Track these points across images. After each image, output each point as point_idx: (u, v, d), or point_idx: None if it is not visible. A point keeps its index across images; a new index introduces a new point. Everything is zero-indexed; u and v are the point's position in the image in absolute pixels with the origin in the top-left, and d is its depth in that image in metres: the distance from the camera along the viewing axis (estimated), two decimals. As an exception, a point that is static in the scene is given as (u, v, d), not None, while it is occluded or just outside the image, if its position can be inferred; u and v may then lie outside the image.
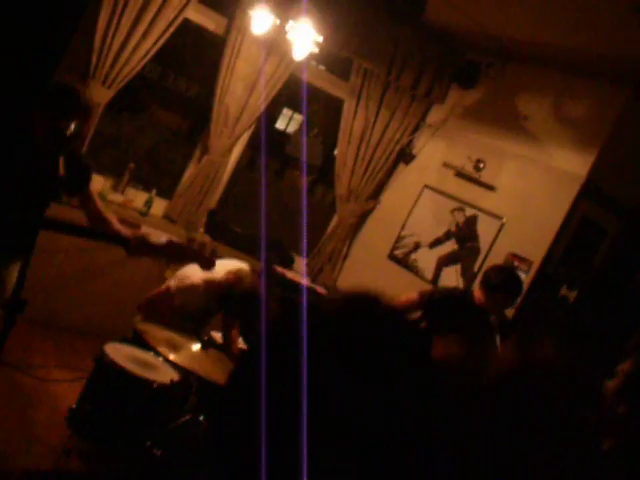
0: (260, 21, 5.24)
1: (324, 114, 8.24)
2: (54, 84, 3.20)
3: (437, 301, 4.58)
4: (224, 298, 4.39)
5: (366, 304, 1.08)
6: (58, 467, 3.71)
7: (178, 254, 3.45)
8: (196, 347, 3.28)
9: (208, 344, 3.31)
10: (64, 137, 2.98)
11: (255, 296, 4.45)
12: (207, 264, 3.60)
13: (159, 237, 5.73)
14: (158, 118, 7.18)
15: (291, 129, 12.68)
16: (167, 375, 3.61)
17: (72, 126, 2.82)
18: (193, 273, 4.50)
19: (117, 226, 3.60)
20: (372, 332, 1.04)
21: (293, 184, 9.61)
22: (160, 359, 3.54)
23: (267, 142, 6.38)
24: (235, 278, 4.44)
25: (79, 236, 3.71)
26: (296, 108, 8.41)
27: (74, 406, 3.68)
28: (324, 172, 7.78)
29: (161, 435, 3.43)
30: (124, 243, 3.38)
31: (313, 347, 1.07)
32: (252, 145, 6.45)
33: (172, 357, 3.14)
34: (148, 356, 3.59)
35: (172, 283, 4.51)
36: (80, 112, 3.18)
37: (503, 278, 4.39)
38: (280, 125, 9.27)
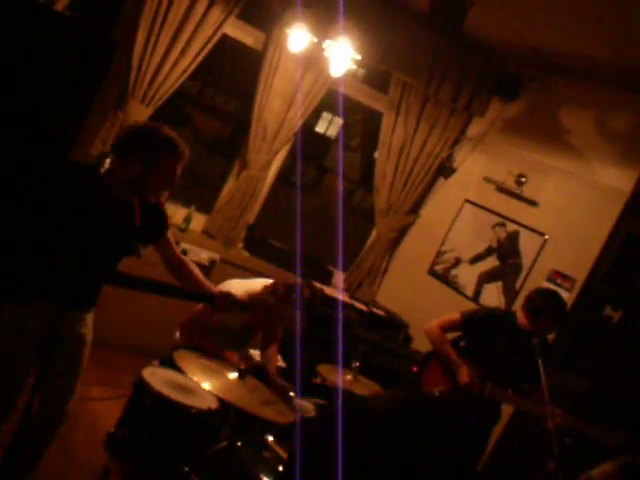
0: (297, 39, 5.22)
1: (363, 125, 8.19)
2: (131, 128, 3.06)
3: (478, 321, 4.50)
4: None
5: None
6: (96, 491, 3.73)
7: (261, 307, 3.40)
8: (233, 375, 3.25)
9: (245, 372, 3.28)
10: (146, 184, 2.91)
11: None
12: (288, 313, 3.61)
13: (199, 254, 5.78)
14: (197, 133, 7.20)
15: (331, 132, 12.68)
16: (205, 401, 3.59)
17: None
18: (233, 287, 4.43)
19: (199, 277, 3.45)
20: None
21: (332, 194, 9.58)
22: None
23: (304, 153, 6.35)
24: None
25: (161, 294, 3.58)
26: (336, 112, 8.36)
27: (112, 430, 3.70)
28: (363, 183, 7.73)
29: (198, 461, 3.42)
30: (208, 300, 3.31)
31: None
32: (291, 153, 6.41)
33: (207, 386, 3.11)
34: (186, 380, 3.57)
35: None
36: (172, 154, 3.03)
37: (547, 302, 4.29)
38: (320, 129, 9.24)
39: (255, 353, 4.82)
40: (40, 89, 2.02)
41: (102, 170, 2.56)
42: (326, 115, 9.03)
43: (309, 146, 6.12)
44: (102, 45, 2.02)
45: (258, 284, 4.39)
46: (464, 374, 4.34)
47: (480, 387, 4.33)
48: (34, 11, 1.95)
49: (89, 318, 3.25)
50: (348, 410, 2.11)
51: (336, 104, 6.16)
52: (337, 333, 5.08)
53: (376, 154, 6.65)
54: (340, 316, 5.55)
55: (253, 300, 3.44)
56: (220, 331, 4.32)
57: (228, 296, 3.33)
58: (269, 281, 4.45)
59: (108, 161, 2.57)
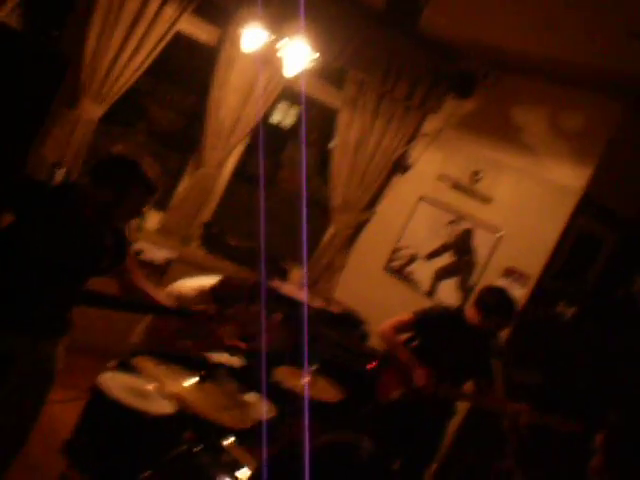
0: (252, 37, 5.18)
1: (321, 119, 8.17)
2: (112, 155, 3.04)
3: (429, 320, 4.54)
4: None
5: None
6: (53, 499, 3.69)
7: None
8: (192, 381, 3.24)
9: (205, 378, 3.27)
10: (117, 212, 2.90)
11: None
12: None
13: (155, 253, 5.73)
14: (151, 127, 7.11)
15: (287, 122, 12.61)
16: (163, 406, 3.57)
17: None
18: (184, 286, 4.42)
19: (160, 296, 3.44)
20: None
21: (287, 189, 9.54)
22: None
23: (264, 148, 6.32)
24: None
25: (135, 312, 3.55)
26: (291, 101, 8.32)
27: (69, 437, 3.65)
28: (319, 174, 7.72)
29: (158, 466, 3.40)
30: (185, 317, 3.28)
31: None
32: (247, 148, 6.36)
33: (165, 391, 3.09)
34: (144, 385, 3.54)
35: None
36: (143, 188, 3.00)
37: (498, 300, 4.35)
38: (275, 119, 9.19)
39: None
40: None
41: (53, 184, 2.51)
42: (281, 105, 8.99)
43: (266, 138, 6.08)
44: (54, 61, 1.97)
45: (209, 280, 4.39)
46: (420, 376, 4.37)
47: (435, 387, 4.37)
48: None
49: (59, 347, 3.19)
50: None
51: (291, 94, 6.13)
52: (297, 332, 5.08)
53: (331, 145, 6.65)
54: (304, 317, 5.56)
55: (233, 315, 3.45)
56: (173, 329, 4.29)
57: (207, 312, 3.34)
58: (217, 278, 4.45)
59: (61, 172, 2.52)
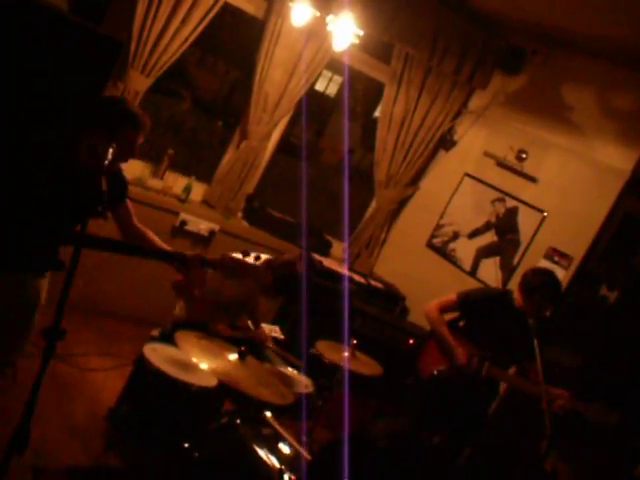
0: (300, 12, 5.17)
1: (365, 91, 8.14)
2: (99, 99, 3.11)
3: (474, 301, 4.54)
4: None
5: None
6: (97, 464, 3.79)
7: (232, 265, 3.36)
8: (233, 356, 3.29)
9: (245, 353, 3.31)
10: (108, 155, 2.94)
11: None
12: (264, 278, 3.59)
13: (199, 225, 5.79)
14: (196, 95, 7.15)
15: (330, 91, 12.51)
16: (205, 379, 3.64)
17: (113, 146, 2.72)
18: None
19: (159, 242, 3.46)
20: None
21: (329, 161, 9.53)
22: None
23: (307, 121, 6.32)
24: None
25: (127, 254, 3.58)
26: (335, 69, 8.28)
27: (114, 405, 3.75)
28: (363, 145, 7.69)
29: (198, 437, 3.47)
30: (179, 261, 3.30)
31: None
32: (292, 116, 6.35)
33: (206, 367, 3.14)
34: (187, 358, 3.60)
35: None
36: (133, 127, 3.13)
37: (541, 280, 4.33)
38: (319, 87, 9.15)
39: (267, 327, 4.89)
40: (41, 94, 2.00)
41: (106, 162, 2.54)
42: (326, 72, 8.93)
43: (309, 106, 6.07)
44: (107, 47, 1.99)
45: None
46: (460, 355, 4.39)
47: (477, 366, 4.38)
48: (38, 14, 1.92)
49: (43, 282, 3.18)
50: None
51: (337, 62, 6.08)
52: (337, 306, 5.12)
53: (376, 114, 6.59)
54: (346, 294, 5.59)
55: (224, 259, 3.41)
56: (212, 300, 4.35)
57: (199, 256, 3.34)
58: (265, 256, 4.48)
59: (111, 151, 2.55)
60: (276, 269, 4.16)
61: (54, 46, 1.94)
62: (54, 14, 1.94)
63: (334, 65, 6.26)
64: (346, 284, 5.79)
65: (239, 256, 3.33)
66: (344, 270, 6.18)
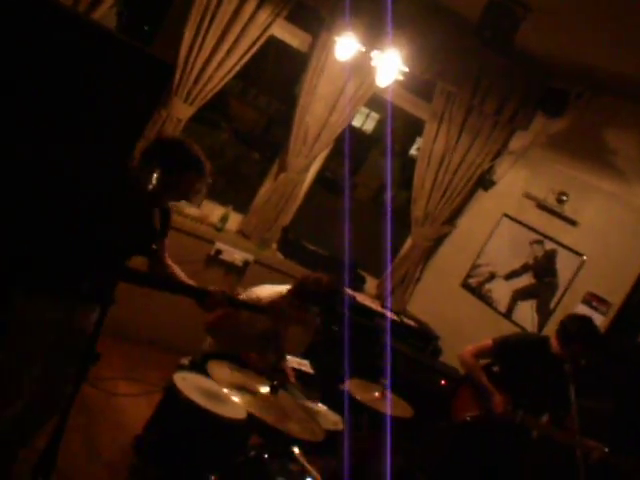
0: (345, 47, 5.19)
1: (403, 128, 8.14)
2: (163, 139, 3.14)
3: (510, 347, 4.46)
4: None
5: None
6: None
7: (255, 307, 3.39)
8: (265, 390, 3.24)
9: (277, 388, 3.27)
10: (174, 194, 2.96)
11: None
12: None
13: (233, 254, 5.79)
14: (235, 125, 7.20)
15: (367, 127, 12.58)
16: (235, 411, 3.60)
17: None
18: (261, 291, 4.46)
19: (184, 277, 3.50)
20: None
21: (363, 194, 9.52)
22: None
23: (342, 148, 6.31)
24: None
25: (151, 287, 3.57)
26: (372, 106, 8.32)
27: (141, 433, 3.72)
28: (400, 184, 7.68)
29: (225, 470, 3.42)
30: (201, 296, 3.30)
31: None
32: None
33: (237, 399, 3.10)
34: (217, 388, 3.57)
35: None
36: (196, 172, 3.16)
37: (580, 328, 4.24)
38: (356, 123, 9.19)
39: (294, 360, 4.84)
40: (90, 115, 2.01)
41: (150, 187, 2.55)
42: (363, 109, 8.98)
43: (345, 143, 6.08)
44: (158, 69, 1.99)
45: (285, 287, 4.41)
46: (498, 403, 4.31)
47: (512, 415, 4.30)
48: (86, 32, 1.93)
49: (92, 315, 3.19)
50: None
51: (374, 99, 6.08)
52: (369, 343, 5.07)
53: (412, 151, 6.58)
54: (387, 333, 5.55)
55: (249, 300, 3.44)
56: (243, 333, 4.32)
57: (222, 292, 3.33)
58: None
59: (155, 176, 2.56)
60: (307, 285, 4.17)
61: (104, 66, 1.95)
62: (107, 34, 1.95)
63: (372, 101, 6.27)
64: (387, 324, 5.74)
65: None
66: (377, 307, 6.13)
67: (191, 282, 3.46)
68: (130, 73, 1.95)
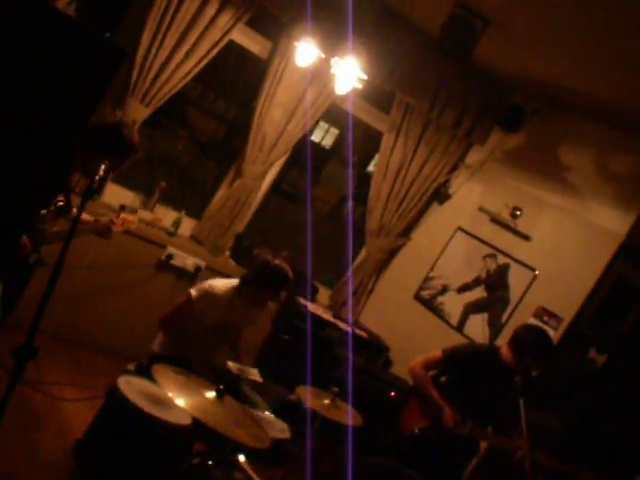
0: (305, 53, 5.17)
1: (362, 141, 8.14)
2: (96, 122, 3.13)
3: (460, 357, 4.45)
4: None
5: None
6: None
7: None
8: (210, 394, 3.16)
9: (223, 392, 3.19)
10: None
11: None
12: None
13: (185, 260, 5.70)
14: (193, 133, 7.13)
15: (326, 142, 12.60)
16: (179, 416, 3.52)
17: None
18: (215, 282, 4.43)
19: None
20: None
21: (321, 208, 9.50)
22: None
23: (299, 162, 6.27)
24: None
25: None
26: (332, 122, 8.33)
27: (81, 437, 3.61)
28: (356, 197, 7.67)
29: (168, 477, 3.34)
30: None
31: None
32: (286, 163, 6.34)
33: (182, 403, 3.01)
34: (162, 393, 3.48)
35: (194, 291, 4.37)
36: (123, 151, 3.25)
37: (534, 339, 4.24)
38: (316, 138, 9.18)
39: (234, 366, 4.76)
40: (38, 96, 1.94)
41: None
42: (322, 124, 8.98)
43: (304, 155, 6.05)
44: (109, 54, 1.94)
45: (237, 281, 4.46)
46: (448, 417, 4.28)
47: (462, 427, 4.28)
48: (44, 15, 1.87)
49: None
50: None
51: (334, 114, 6.09)
52: (319, 352, 5.02)
53: (370, 168, 6.58)
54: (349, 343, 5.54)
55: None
56: (195, 328, 4.26)
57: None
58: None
59: (103, 167, 2.48)
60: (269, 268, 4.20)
61: (58, 47, 1.88)
62: (62, 17, 1.90)
63: (332, 117, 6.27)
64: (349, 335, 5.71)
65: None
66: (329, 317, 6.08)
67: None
68: (82, 56, 1.90)
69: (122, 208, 3.99)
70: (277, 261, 4.37)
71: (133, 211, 5.41)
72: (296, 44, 5.23)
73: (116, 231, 3.81)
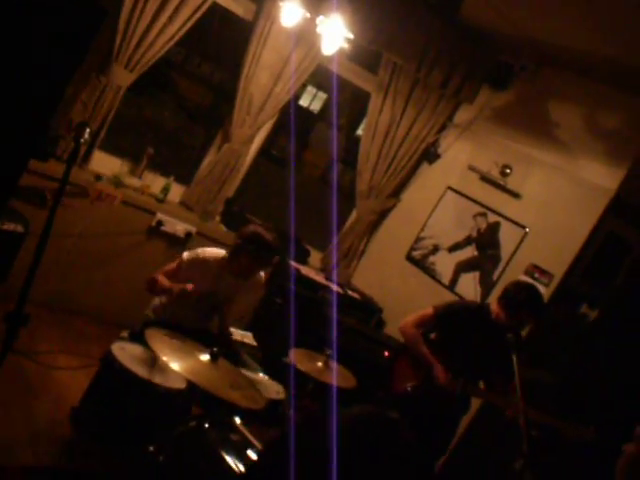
0: (290, 13, 5.10)
1: (350, 104, 8.08)
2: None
3: (450, 315, 4.45)
4: None
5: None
6: (59, 464, 3.66)
7: None
8: (204, 357, 3.17)
9: (217, 355, 3.20)
10: None
11: None
12: None
13: (175, 226, 5.69)
14: (180, 100, 7.05)
15: (315, 107, 12.51)
16: (174, 380, 3.53)
17: None
18: (205, 250, 4.40)
19: None
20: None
21: (311, 171, 9.45)
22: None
23: (287, 127, 6.23)
24: None
25: None
26: (320, 86, 8.24)
27: (77, 405, 3.62)
28: (344, 160, 7.62)
29: (164, 440, 3.35)
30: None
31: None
32: (274, 127, 6.29)
33: (176, 367, 3.02)
34: (156, 357, 3.49)
35: (185, 254, 4.35)
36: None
37: (525, 296, 4.24)
38: (304, 102, 9.09)
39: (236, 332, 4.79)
40: (18, 54, 1.92)
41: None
42: (310, 89, 8.89)
43: (294, 119, 6.00)
44: (90, 13, 1.90)
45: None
46: (440, 374, 4.29)
47: (453, 385, 4.29)
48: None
49: None
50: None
51: (321, 78, 6.03)
52: (313, 315, 5.04)
53: (359, 131, 6.54)
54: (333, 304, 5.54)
55: None
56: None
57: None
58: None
59: (87, 131, 2.44)
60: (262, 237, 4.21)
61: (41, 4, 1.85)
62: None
63: (319, 81, 6.20)
64: (332, 296, 5.71)
65: None
66: (321, 279, 6.09)
67: None
68: (65, 13, 1.87)
69: (98, 178, 3.91)
70: (262, 231, 4.29)
71: (118, 183, 5.39)
72: (281, 4, 5.15)
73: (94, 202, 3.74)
